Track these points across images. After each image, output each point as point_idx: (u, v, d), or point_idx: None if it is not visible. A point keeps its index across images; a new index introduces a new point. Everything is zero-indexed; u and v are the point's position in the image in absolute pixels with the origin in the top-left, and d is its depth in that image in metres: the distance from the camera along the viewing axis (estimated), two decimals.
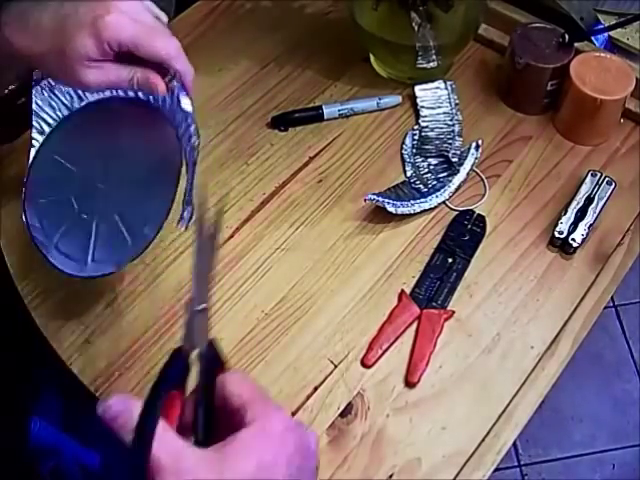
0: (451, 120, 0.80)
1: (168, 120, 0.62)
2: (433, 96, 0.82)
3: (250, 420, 0.41)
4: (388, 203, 0.71)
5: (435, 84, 0.83)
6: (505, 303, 0.68)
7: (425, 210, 0.73)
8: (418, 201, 0.73)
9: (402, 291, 0.68)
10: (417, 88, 0.83)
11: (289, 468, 0.41)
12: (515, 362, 0.65)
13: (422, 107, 0.82)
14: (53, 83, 0.66)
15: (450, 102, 0.81)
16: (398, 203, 0.72)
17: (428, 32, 0.76)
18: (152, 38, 0.55)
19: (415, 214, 0.73)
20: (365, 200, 0.72)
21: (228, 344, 0.66)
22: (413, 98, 0.83)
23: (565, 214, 0.71)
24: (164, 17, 0.60)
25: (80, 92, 0.66)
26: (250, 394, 0.43)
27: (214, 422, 0.42)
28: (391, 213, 0.72)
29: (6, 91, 0.77)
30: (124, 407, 0.41)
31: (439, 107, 0.81)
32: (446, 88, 0.82)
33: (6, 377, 0.78)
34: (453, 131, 0.79)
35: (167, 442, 0.38)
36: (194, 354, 0.47)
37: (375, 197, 0.72)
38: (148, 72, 0.57)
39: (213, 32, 0.90)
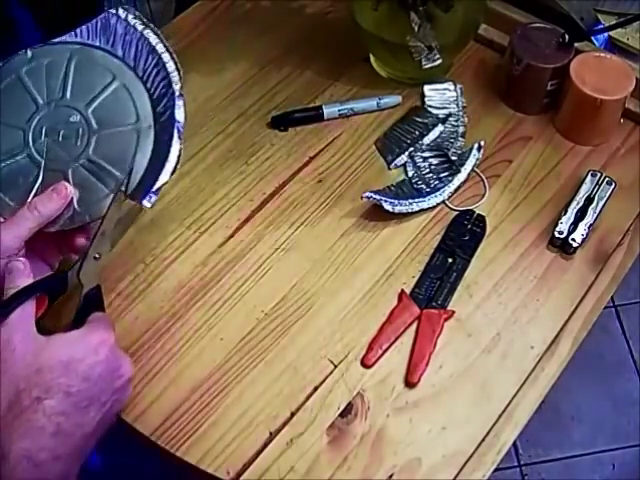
0: (456, 121, 0.80)
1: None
2: (442, 97, 0.82)
3: (78, 331, 0.55)
4: (385, 201, 0.71)
5: (445, 85, 0.83)
6: (505, 303, 0.68)
7: (423, 210, 0.73)
8: (417, 200, 0.73)
9: (402, 291, 0.68)
10: (426, 88, 0.83)
11: (91, 369, 0.53)
12: (515, 362, 0.65)
13: (429, 106, 0.82)
14: None
15: (458, 104, 0.81)
16: (396, 202, 0.72)
17: (428, 32, 0.76)
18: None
19: (414, 213, 0.73)
20: (362, 198, 0.72)
21: (228, 344, 0.66)
22: (421, 97, 0.83)
23: (565, 214, 0.71)
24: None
25: None
26: (95, 320, 0.57)
27: None
28: (389, 212, 0.72)
29: None
30: (24, 269, 0.56)
31: (446, 108, 0.81)
32: (455, 90, 0.83)
33: None
34: (457, 132, 0.79)
35: (26, 312, 0.54)
36: (81, 292, 0.59)
37: (372, 195, 0.72)
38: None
39: (213, 32, 0.90)
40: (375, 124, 0.81)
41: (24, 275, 0.56)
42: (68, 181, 0.62)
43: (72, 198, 0.61)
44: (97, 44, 0.64)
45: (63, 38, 0.65)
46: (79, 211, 0.61)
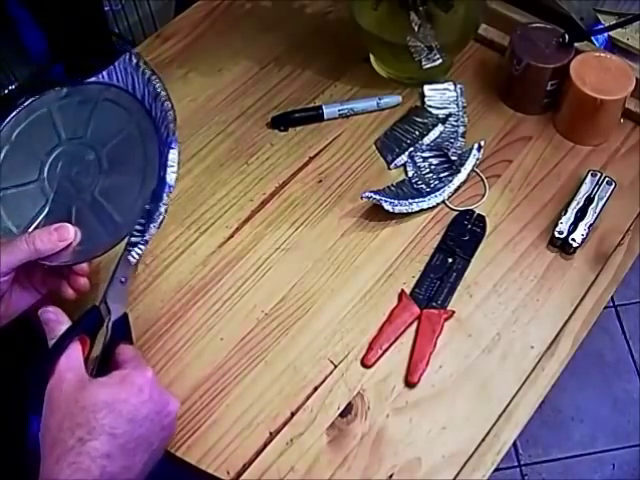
0: (456, 121, 0.80)
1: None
2: (442, 97, 0.82)
3: (119, 372, 0.54)
4: (385, 201, 0.71)
5: (445, 85, 0.83)
6: (505, 303, 0.68)
7: (423, 210, 0.73)
8: (417, 200, 0.73)
9: (402, 291, 0.68)
10: (426, 87, 0.83)
11: (137, 410, 0.52)
12: (515, 362, 0.65)
13: (429, 106, 0.82)
14: None
15: (458, 104, 0.82)
16: (396, 202, 0.72)
17: (428, 32, 0.76)
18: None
19: (414, 213, 0.73)
20: (362, 198, 0.72)
21: (228, 344, 0.66)
22: (421, 97, 0.83)
23: (565, 214, 0.72)
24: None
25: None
26: (132, 359, 0.55)
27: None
28: (389, 212, 0.72)
29: (6, 91, 0.78)
30: (56, 318, 0.56)
31: (446, 108, 0.81)
32: (455, 90, 0.83)
33: (6, 377, 0.78)
34: (457, 132, 0.79)
35: (72, 358, 0.54)
36: (109, 321, 0.58)
37: (372, 195, 0.72)
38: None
39: (213, 32, 0.91)
40: (375, 124, 0.81)
41: (59, 323, 0.56)
42: (71, 217, 0.61)
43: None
44: (123, 86, 0.64)
45: (95, 79, 0.65)
46: (77, 249, 0.59)
